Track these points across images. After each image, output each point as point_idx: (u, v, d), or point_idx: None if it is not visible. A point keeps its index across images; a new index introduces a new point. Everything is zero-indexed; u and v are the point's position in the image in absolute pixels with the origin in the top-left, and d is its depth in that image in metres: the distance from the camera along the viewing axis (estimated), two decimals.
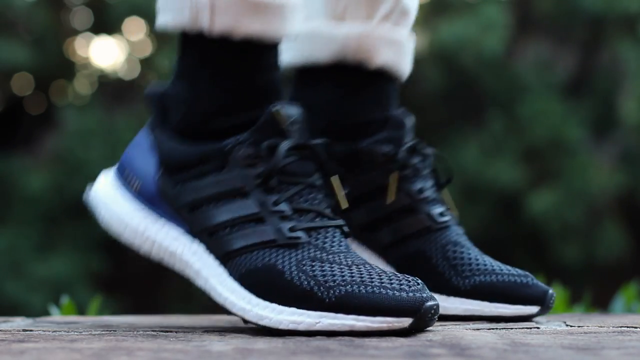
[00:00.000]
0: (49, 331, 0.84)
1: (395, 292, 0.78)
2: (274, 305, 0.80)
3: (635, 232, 5.08)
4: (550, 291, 0.91)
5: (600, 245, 4.92)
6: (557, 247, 4.90)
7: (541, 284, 0.92)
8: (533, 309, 0.91)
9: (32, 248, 4.69)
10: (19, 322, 0.97)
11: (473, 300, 0.89)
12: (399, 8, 1.03)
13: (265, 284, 0.81)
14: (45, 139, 5.24)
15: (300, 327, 0.79)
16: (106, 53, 5.53)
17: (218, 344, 0.73)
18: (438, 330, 0.81)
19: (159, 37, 5.14)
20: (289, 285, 0.80)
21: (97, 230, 4.50)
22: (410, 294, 0.77)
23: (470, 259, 0.97)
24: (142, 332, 0.83)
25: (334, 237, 0.84)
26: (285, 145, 0.84)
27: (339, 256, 0.82)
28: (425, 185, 0.99)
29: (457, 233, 1.01)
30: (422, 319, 0.77)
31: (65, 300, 1.30)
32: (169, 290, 5.07)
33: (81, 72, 5.57)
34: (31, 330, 0.85)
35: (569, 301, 1.46)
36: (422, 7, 5.61)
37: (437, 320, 0.83)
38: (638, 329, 0.83)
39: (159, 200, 0.87)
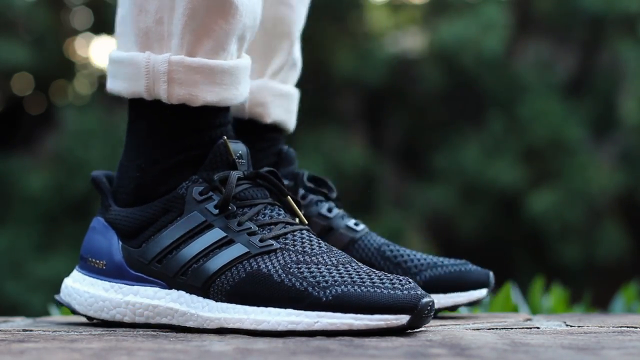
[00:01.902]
0: (49, 331, 0.84)
1: (390, 290, 0.78)
2: (270, 309, 0.81)
3: (635, 232, 5.07)
4: (491, 273, 0.98)
5: (600, 245, 4.92)
6: (557, 247, 4.90)
7: (479, 268, 0.98)
8: (482, 292, 0.97)
9: (32, 248, 4.69)
10: (19, 322, 0.97)
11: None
12: (289, 62, 1.08)
13: (256, 291, 0.82)
14: (45, 139, 5.24)
15: (299, 327, 0.79)
16: (106, 53, 5.54)
17: (218, 344, 0.73)
18: (438, 330, 0.81)
19: None
20: (280, 287, 0.81)
21: None
22: (405, 292, 0.78)
23: (409, 255, 1.01)
24: (142, 332, 0.83)
25: (311, 239, 0.86)
26: (235, 173, 0.86)
27: (322, 257, 0.83)
28: (331, 205, 1.05)
29: (378, 236, 1.06)
30: (419, 315, 0.78)
31: None
32: None
33: (81, 72, 5.57)
34: (31, 330, 0.85)
35: (569, 301, 1.46)
36: (422, 7, 5.62)
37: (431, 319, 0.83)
38: (638, 329, 0.83)
39: (127, 268, 0.88)
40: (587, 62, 5.35)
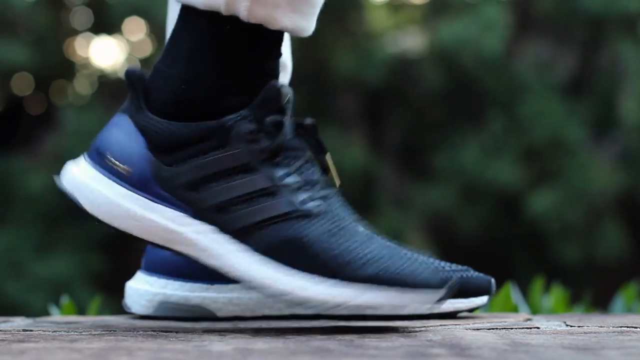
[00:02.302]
0: (49, 331, 0.84)
1: (424, 265, 0.80)
2: (313, 276, 0.80)
3: (635, 232, 5.08)
4: (492, 280, 0.97)
5: (600, 245, 4.92)
6: (557, 247, 4.90)
7: (482, 275, 0.96)
8: (484, 299, 0.95)
9: (32, 248, 4.69)
10: (19, 322, 0.97)
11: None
12: None
13: (294, 257, 0.81)
14: (45, 139, 5.25)
15: (337, 300, 0.79)
16: (106, 53, 5.54)
17: (218, 344, 0.73)
18: (438, 330, 0.81)
19: (159, 37, 5.14)
20: (320, 256, 0.80)
21: (97, 231, 4.46)
22: (432, 269, 0.80)
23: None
24: (142, 332, 0.83)
25: (343, 206, 0.85)
26: (289, 122, 0.84)
27: (356, 226, 0.83)
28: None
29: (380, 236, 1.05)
30: (450, 289, 0.80)
31: (65, 300, 1.30)
32: None
33: (81, 72, 5.58)
34: (31, 330, 0.85)
35: (569, 301, 1.46)
36: (422, 7, 5.62)
37: (433, 320, 0.83)
38: (638, 329, 0.83)
39: (153, 182, 0.84)
40: (587, 62, 5.36)
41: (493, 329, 0.85)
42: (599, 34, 5.24)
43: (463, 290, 0.96)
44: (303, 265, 0.81)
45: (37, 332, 0.83)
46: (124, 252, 5.24)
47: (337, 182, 0.88)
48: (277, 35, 0.86)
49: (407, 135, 5.44)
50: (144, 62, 5.33)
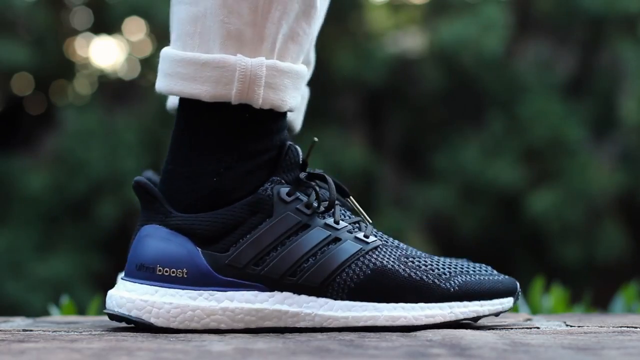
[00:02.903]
0: (49, 331, 0.84)
1: (491, 276, 0.87)
2: (403, 304, 0.84)
3: (635, 232, 5.07)
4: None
5: (600, 245, 4.91)
6: (557, 247, 4.90)
7: (506, 277, 0.93)
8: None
9: (32, 248, 4.69)
10: (19, 322, 0.97)
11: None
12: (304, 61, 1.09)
13: (384, 287, 0.84)
14: (45, 139, 5.24)
15: (436, 320, 0.83)
16: (106, 53, 5.53)
17: (218, 344, 0.73)
18: (438, 330, 0.81)
19: (159, 37, 5.14)
20: (408, 282, 0.84)
21: (97, 231, 4.46)
22: (500, 277, 0.87)
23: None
24: (142, 332, 0.83)
25: (387, 236, 0.89)
26: (329, 176, 0.88)
27: (415, 250, 0.88)
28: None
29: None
30: (517, 297, 0.87)
31: (65, 300, 1.30)
32: None
33: (81, 72, 5.57)
34: (31, 330, 0.85)
35: (569, 301, 1.46)
36: (422, 7, 5.61)
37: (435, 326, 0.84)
38: (638, 329, 0.83)
39: (214, 274, 0.85)
40: (587, 62, 5.35)
41: (493, 329, 0.85)
42: (599, 34, 5.24)
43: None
44: (391, 293, 0.84)
45: (37, 332, 0.83)
46: (124, 252, 5.23)
47: (369, 220, 0.91)
48: (284, 113, 0.89)
49: (407, 135, 5.44)
50: (144, 62, 5.33)
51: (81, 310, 1.37)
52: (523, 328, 0.86)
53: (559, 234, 4.88)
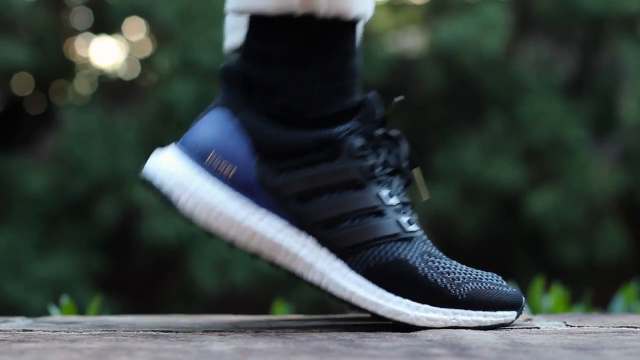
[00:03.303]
0: (49, 331, 0.84)
1: (500, 287, 0.84)
2: (408, 301, 0.82)
3: (635, 232, 5.08)
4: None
5: (600, 245, 4.92)
6: (557, 247, 4.90)
7: (513, 290, 0.88)
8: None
9: (32, 248, 4.69)
10: (19, 322, 0.97)
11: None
12: None
13: (397, 279, 0.82)
14: (45, 139, 5.24)
15: (437, 325, 0.82)
16: (106, 53, 5.54)
17: (218, 344, 0.73)
18: (438, 330, 0.81)
19: (159, 37, 5.14)
20: (422, 281, 0.82)
21: (97, 231, 4.45)
22: (509, 289, 0.85)
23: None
24: (142, 332, 0.83)
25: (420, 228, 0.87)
26: (404, 142, 0.85)
27: (437, 251, 0.86)
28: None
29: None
30: (521, 311, 0.85)
31: (65, 300, 1.30)
32: (169, 291, 5.07)
33: (81, 72, 5.58)
34: (31, 330, 0.85)
35: (569, 301, 1.46)
36: (422, 7, 5.62)
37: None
38: (638, 329, 0.83)
39: (259, 189, 0.82)
40: (587, 62, 5.36)
41: (493, 329, 0.85)
42: (599, 34, 5.24)
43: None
44: (403, 287, 0.82)
45: (37, 332, 0.83)
46: (124, 252, 5.24)
47: (427, 196, 0.89)
48: (351, 28, 0.84)
49: (407, 135, 5.43)
50: (144, 62, 5.33)
51: (81, 310, 1.37)
52: (523, 328, 0.86)
53: (559, 234, 4.88)
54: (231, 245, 0.83)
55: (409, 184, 0.88)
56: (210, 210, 0.82)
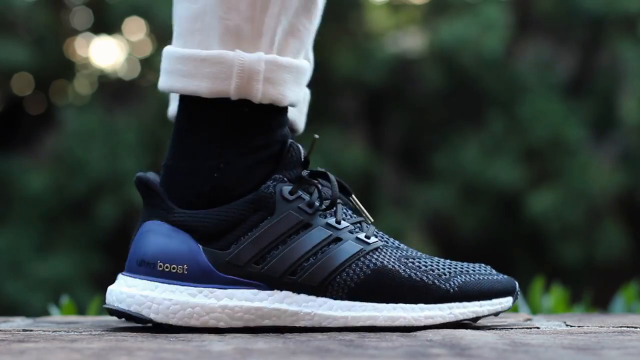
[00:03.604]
0: (49, 331, 0.84)
1: (490, 276, 0.87)
2: (402, 305, 0.84)
3: (635, 232, 5.07)
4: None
5: (600, 245, 4.92)
6: (557, 247, 4.90)
7: (505, 276, 0.91)
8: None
9: (32, 248, 4.69)
10: (19, 322, 0.97)
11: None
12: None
13: (383, 288, 0.84)
14: (45, 139, 5.24)
15: (436, 321, 0.83)
16: (106, 53, 5.53)
17: (218, 344, 0.73)
18: (438, 330, 0.81)
19: (159, 37, 5.14)
20: (408, 283, 0.84)
21: (97, 231, 4.45)
22: (500, 276, 0.87)
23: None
24: (142, 332, 0.83)
25: (387, 236, 0.89)
26: (332, 176, 0.88)
27: (413, 251, 0.88)
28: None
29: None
30: (516, 296, 0.87)
31: (65, 300, 1.30)
32: None
33: (81, 72, 5.57)
34: (31, 330, 0.85)
35: (569, 301, 1.46)
36: (422, 7, 5.62)
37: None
38: (638, 329, 0.83)
39: (215, 271, 0.84)
40: (587, 62, 5.35)
41: (493, 329, 0.85)
42: (599, 34, 5.24)
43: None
44: (391, 294, 0.84)
45: (37, 332, 0.83)
46: (124, 252, 5.23)
47: (371, 219, 0.91)
48: (285, 110, 0.88)
49: (407, 135, 5.44)
50: (144, 62, 5.33)
51: (81, 310, 1.37)
52: (523, 328, 0.86)
53: (559, 234, 4.88)
54: (225, 327, 0.85)
55: (353, 210, 0.91)
56: (185, 313, 0.84)
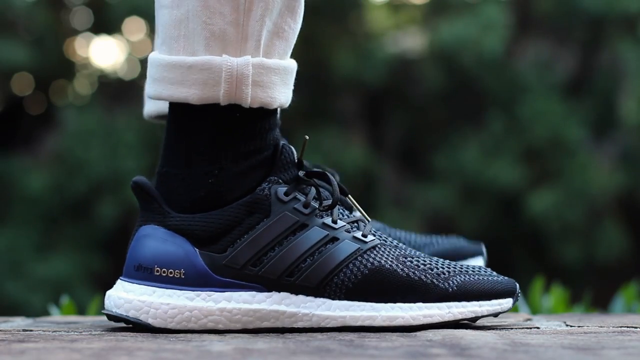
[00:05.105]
0: (49, 331, 0.84)
1: (490, 277, 0.86)
2: (400, 304, 0.84)
3: (635, 232, 5.07)
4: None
5: (600, 245, 4.92)
6: (557, 247, 4.90)
7: (506, 278, 0.92)
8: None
9: (32, 248, 4.69)
10: (19, 322, 0.97)
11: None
12: None
13: (381, 287, 0.84)
14: (45, 139, 5.24)
15: (434, 320, 0.83)
16: (106, 53, 5.53)
17: (218, 344, 0.73)
18: (438, 330, 0.81)
19: None
20: (406, 281, 0.84)
21: (97, 231, 4.45)
22: (500, 278, 0.87)
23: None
24: (142, 332, 0.83)
25: (384, 235, 0.89)
26: (332, 176, 0.87)
27: (414, 250, 0.87)
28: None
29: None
30: (516, 298, 0.87)
31: (65, 300, 1.30)
32: None
33: (81, 72, 5.57)
34: (31, 330, 0.85)
35: (569, 301, 1.46)
36: (422, 7, 5.62)
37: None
38: (638, 329, 0.83)
39: (212, 275, 0.85)
40: (587, 62, 5.35)
41: (493, 329, 0.85)
42: (599, 34, 5.24)
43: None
44: (389, 293, 0.84)
45: (37, 332, 0.83)
46: (124, 252, 5.23)
47: (368, 219, 0.91)
48: (274, 112, 0.88)
49: (407, 135, 5.44)
50: (144, 62, 5.32)
51: (81, 310, 1.37)
52: (523, 328, 0.86)
53: (559, 233, 4.88)
54: (224, 329, 0.85)
55: (350, 210, 0.91)
56: (181, 318, 0.84)
